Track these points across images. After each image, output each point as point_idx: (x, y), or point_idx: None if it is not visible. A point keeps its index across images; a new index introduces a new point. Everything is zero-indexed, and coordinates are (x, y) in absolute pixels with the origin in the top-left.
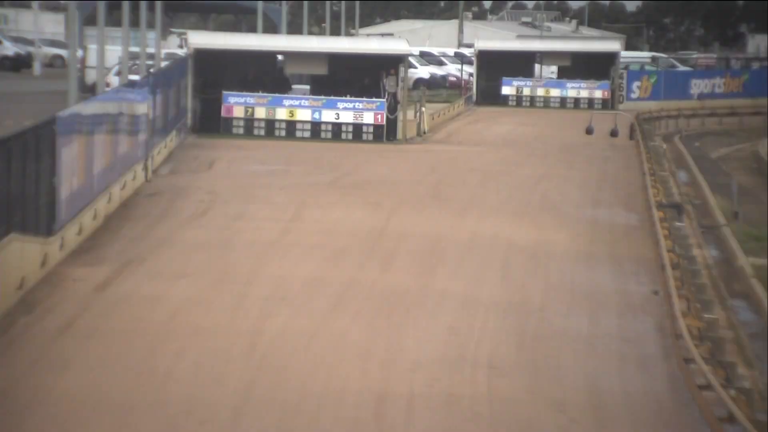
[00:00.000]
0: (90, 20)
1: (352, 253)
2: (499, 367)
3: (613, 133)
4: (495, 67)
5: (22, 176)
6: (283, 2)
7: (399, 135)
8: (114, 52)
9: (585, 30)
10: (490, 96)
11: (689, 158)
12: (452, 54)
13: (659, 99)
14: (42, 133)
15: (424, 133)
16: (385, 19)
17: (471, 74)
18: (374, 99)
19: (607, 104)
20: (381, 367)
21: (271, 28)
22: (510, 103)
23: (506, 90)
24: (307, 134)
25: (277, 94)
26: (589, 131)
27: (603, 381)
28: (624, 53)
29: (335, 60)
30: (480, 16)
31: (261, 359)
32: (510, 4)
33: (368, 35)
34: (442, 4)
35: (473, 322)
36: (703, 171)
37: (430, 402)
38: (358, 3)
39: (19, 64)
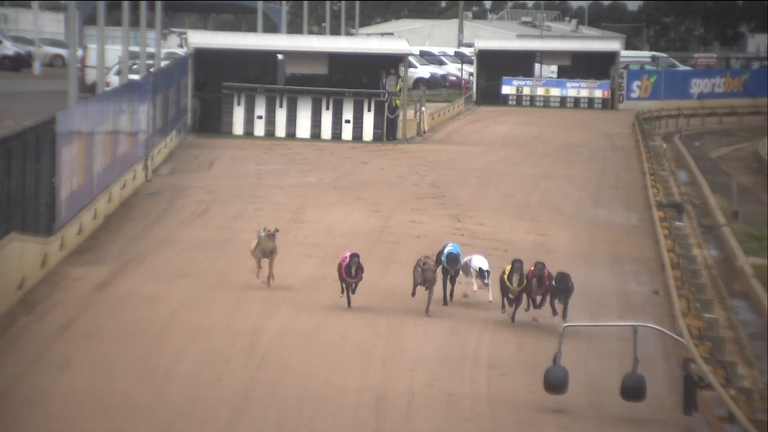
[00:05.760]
0: (90, 20)
1: None
2: (499, 367)
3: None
4: (495, 66)
5: (22, 176)
6: (283, 2)
7: (399, 135)
8: (114, 52)
9: (585, 29)
10: (490, 95)
11: (689, 158)
12: (452, 53)
13: (659, 98)
14: (42, 133)
15: (424, 132)
16: (385, 19)
17: (471, 74)
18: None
19: (607, 103)
20: (381, 366)
21: (271, 28)
22: (510, 102)
23: (506, 89)
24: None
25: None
26: (551, 385)
27: (603, 381)
28: (624, 53)
29: (335, 59)
30: (480, 15)
31: (261, 359)
32: (510, 3)
33: (368, 35)
34: (442, 3)
35: (473, 321)
36: (703, 171)
37: (429, 401)
38: (358, 3)
39: (19, 63)
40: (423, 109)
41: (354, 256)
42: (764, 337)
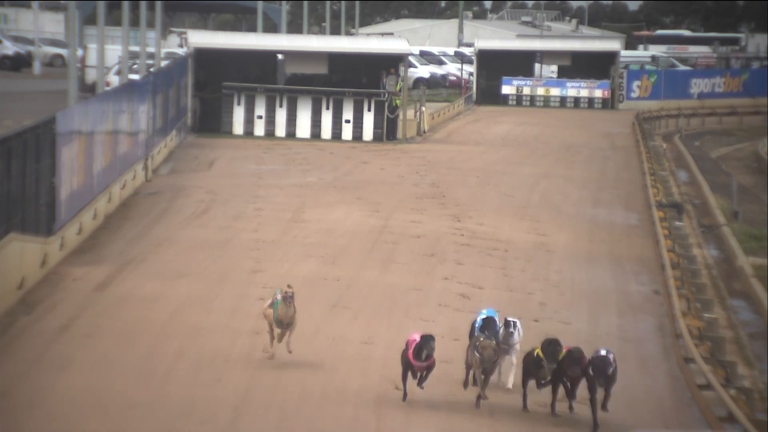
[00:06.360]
0: (90, 20)
1: (352, 252)
2: (499, 367)
3: None
4: (495, 66)
5: (22, 176)
6: (283, 2)
7: (399, 134)
8: (114, 52)
9: (585, 29)
10: (490, 95)
11: (689, 158)
12: (452, 53)
13: (659, 98)
14: (42, 133)
15: (424, 132)
16: (385, 19)
17: (471, 73)
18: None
19: (607, 103)
20: (381, 366)
21: (271, 28)
22: (510, 102)
23: (506, 89)
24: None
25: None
26: None
27: None
28: (624, 52)
29: (335, 59)
30: (480, 15)
31: (261, 359)
32: (510, 3)
33: (368, 35)
34: (442, 3)
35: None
36: (703, 170)
37: (430, 402)
38: (358, 3)
39: (20, 63)
40: (423, 108)
41: (428, 338)
42: (764, 337)
